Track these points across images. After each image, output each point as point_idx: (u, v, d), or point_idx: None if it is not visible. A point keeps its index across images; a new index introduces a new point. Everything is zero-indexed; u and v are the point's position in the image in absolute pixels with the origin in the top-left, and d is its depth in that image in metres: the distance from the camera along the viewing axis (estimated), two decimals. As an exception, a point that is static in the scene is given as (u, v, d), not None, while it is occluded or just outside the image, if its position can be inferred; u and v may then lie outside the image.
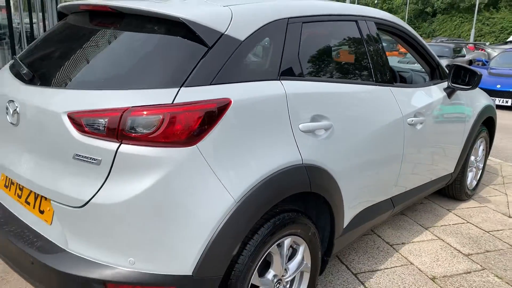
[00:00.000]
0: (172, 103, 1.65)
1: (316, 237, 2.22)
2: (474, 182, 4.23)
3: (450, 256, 3.11)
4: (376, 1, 55.56)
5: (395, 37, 3.07)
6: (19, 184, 2.04)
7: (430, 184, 3.36)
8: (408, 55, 12.54)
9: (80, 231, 1.73)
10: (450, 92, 3.30)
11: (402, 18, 50.73)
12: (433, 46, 14.43)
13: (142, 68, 1.79)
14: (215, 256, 1.71)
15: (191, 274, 1.68)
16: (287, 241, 2.08)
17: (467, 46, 15.10)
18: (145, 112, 1.62)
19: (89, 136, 1.67)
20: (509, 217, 3.83)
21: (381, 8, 34.90)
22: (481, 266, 3.00)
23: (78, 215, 1.71)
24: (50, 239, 1.84)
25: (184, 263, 1.68)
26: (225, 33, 1.85)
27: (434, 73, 3.38)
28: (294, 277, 2.21)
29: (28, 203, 1.99)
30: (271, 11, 2.09)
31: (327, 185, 2.17)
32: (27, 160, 1.92)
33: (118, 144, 1.63)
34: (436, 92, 3.20)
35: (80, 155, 1.68)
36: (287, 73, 2.06)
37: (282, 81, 2.00)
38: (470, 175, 4.10)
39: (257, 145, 1.84)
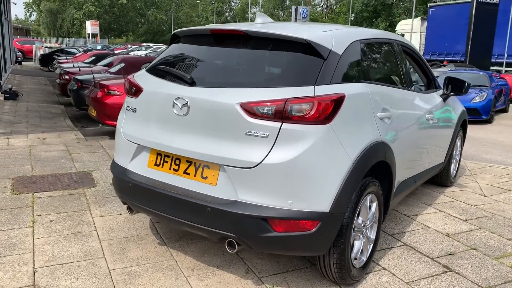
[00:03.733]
0: (314, 95, 2.46)
1: (382, 198, 3.07)
2: (454, 172, 5.31)
3: (453, 221, 4.09)
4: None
5: (408, 56, 4.07)
6: (175, 160, 2.73)
7: (432, 169, 4.35)
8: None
9: (249, 185, 2.46)
10: (445, 97, 4.34)
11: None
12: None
13: (285, 73, 2.59)
14: (342, 199, 2.51)
15: (328, 211, 2.47)
16: (369, 197, 2.91)
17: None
18: (299, 101, 2.42)
19: (259, 119, 2.43)
20: (484, 196, 4.91)
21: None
22: (477, 226, 3.99)
23: (249, 173, 2.45)
24: (216, 196, 2.55)
25: (325, 203, 2.46)
26: (332, 49, 2.70)
27: (430, 83, 4.41)
28: (369, 225, 3.04)
29: (188, 173, 2.68)
30: (351, 35, 2.98)
31: (391, 158, 3.05)
32: (196, 140, 2.62)
33: (280, 124, 2.41)
34: (436, 97, 4.22)
35: (251, 132, 2.44)
36: (364, 78, 2.94)
37: (364, 83, 2.88)
38: (452, 166, 5.16)
39: (359, 125, 2.69)
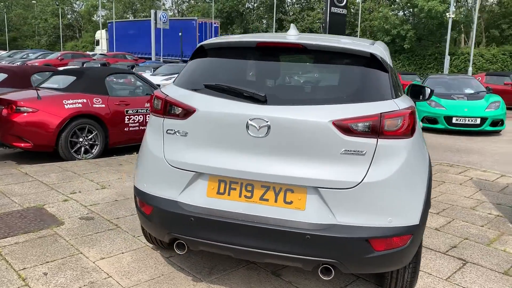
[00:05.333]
0: (399, 109, 2.46)
1: None
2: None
3: (429, 216, 4.47)
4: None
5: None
6: (246, 186, 2.47)
7: None
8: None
9: (348, 206, 2.36)
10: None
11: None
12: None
13: (361, 87, 2.54)
14: (426, 209, 2.56)
15: (418, 223, 2.50)
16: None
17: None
18: (392, 116, 2.40)
19: (355, 136, 2.35)
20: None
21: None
22: (451, 218, 4.44)
23: (348, 194, 2.34)
24: (309, 221, 2.37)
25: (416, 216, 2.48)
26: (388, 63, 2.74)
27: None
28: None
29: (265, 200, 2.45)
30: (384, 47, 3.05)
31: None
32: (279, 163, 2.40)
33: (376, 140, 2.36)
34: (405, 103, 4.57)
35: (348, 150, 2.35)
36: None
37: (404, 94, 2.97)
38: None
39: (421, 136, 2.77)
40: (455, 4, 30.80)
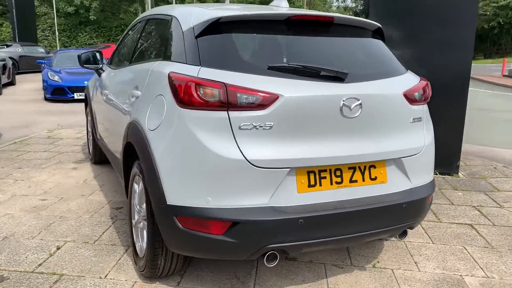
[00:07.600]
0: (420, 81, 2.77)
1: None
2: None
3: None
4: None
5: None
6: (335, 172, 2.35)
7: None
8: None
9: (417, 169, 2.59)
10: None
11: None
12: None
13: (392, 59, 2.71)
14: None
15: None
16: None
17: None
18: (427, 83, 2.71)
19: (416, 104, 2.57)
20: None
21: None
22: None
23: (417, 159, 2.58)
24: (395, 191, 2.47)
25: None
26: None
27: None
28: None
29: (355, 181, 2.41)
30: None
31: None
32: (364, 141, 2.38)
33: (424, 106, 2.66)
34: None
35: (415, 118, 2.56)
36: None
37: None
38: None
39: None
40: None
